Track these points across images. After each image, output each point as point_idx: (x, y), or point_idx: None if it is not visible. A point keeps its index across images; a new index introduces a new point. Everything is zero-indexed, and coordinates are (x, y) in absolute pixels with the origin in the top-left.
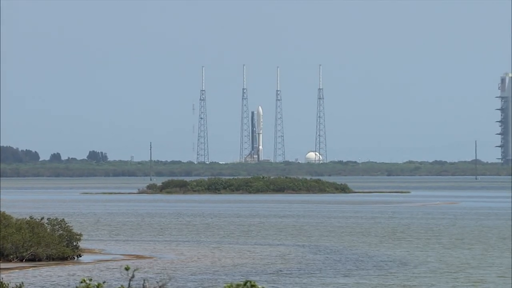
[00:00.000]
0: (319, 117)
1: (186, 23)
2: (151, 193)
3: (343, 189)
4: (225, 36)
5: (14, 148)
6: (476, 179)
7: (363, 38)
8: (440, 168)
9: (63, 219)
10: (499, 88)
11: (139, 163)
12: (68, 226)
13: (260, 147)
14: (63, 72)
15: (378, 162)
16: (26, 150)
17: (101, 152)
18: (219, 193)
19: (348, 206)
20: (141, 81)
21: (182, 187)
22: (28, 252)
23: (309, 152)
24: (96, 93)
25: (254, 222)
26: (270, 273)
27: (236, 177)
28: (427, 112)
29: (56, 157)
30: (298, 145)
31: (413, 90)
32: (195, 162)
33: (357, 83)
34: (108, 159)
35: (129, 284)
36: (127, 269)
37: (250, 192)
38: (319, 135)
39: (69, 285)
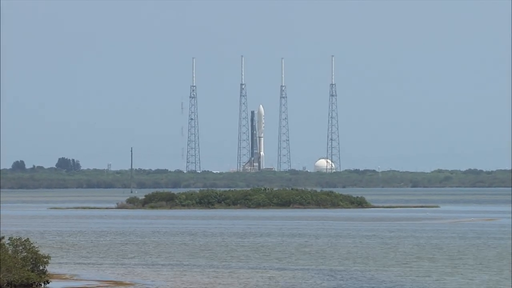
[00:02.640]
0: (332, 117)
1: (173, 9)
2: (132, 208)
3: (360, 203)
4: (219, 22)
5: None
6: None
7: (383, 25)
8: (474, 178)
9: (28, 238)
10: None
11: (117, 172)
12: (33, 247)
13: (262, 153)
14: (27, 65)
15: (401, 171)
16: None
17: (73, 160)
18: (212, 208)
19: (365, 224)
20: (119, 75)
21: (169, 201)
22: None
23: (319, 159)
24: (67, 90)
25: (254, 242)
26: None
27: (232, 189)
28: (459, 114)
29: (19, 165)
30: (307, 151)
31: (442, 88)
32: (185, 171)
33: (376, 78)
34: (81, 168)
35: None
36: None
37: (249, 207)
38: (331, 139)
39: None
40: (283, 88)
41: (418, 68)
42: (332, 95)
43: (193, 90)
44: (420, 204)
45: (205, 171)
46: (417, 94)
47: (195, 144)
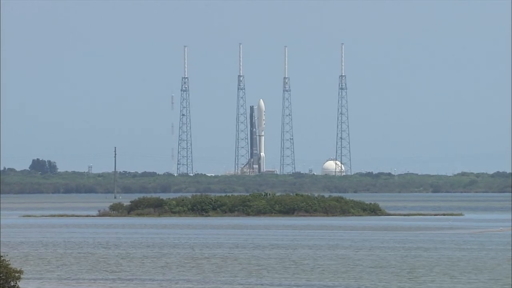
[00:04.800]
0: (341, 114)
1: None
2: (116, 215)
3: (373, 210)
4: (215, 6)
5: None
6: None
7: (399, 9)
8: (503, 182)
9: None
10: None
11: (99, 175)
12: (3, 260)
13: (262, 154)
14: None
15: (420, 174)
16: None
17: (49, 161)
18: (206, 216)
19: (378, 234)
20: (100, 67)
21: (158, 207)
22: None
23: (327, 161)
24: (42, 84)
25: (252, 255)
26: None
27: (229, 194)
28: (486, 110)
29: None
30: (313, 151)
31: (467, 82)
32: (175, 174)
33: (392, 69)
34: (58, 170)
35: None
36: None
37: (248, 214)
38: (341, 138)
39: None
40: (287, 80)
41: (439, 59)
42: (341, 88)
43: (184, 83)
44: (442, 212)
45: (198, 174)
46: (439, 88)
47: (187, 143)
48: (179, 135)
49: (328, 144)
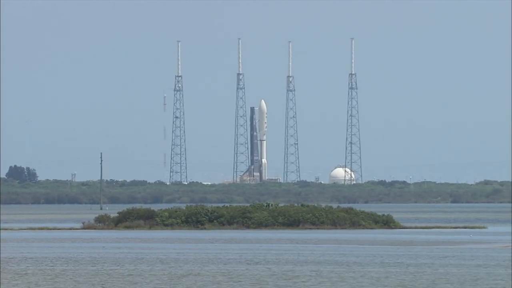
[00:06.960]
0: (351, 116)
1: None
2: (102, 228)
3: (386, 222)
4: None
5: None
6: None
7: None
8: None
9: None
10: None
11: (83, 184)
12: None
13: (264, 160)
14: None
15: (438, 182)
16: None
17: (27, 168)
18: (202, 229)
19: (392, 249)
20: (84, 64)
21: (148, 219)
22: None
23: (335, 168)
24: (20, 83)
25: (250, 272)
26: None
27: (228, 205)
28: (509, 114)
29: None
30: (320, 158)
31: (488, 81)
32: (167, 183)
33: (407, 67)
34: (38, 178)
35: None
36: None
37: (248, 227)
38: (350, 142)
39: None
40: (291, 79)
41: (460, 57)
42: (351, 88)
43: (178, 82)
44: (462, 225)
45: (193, 182)
46: (459, 90)
47: (180, 149)
48: (172, 140)
49: (337, 149)
